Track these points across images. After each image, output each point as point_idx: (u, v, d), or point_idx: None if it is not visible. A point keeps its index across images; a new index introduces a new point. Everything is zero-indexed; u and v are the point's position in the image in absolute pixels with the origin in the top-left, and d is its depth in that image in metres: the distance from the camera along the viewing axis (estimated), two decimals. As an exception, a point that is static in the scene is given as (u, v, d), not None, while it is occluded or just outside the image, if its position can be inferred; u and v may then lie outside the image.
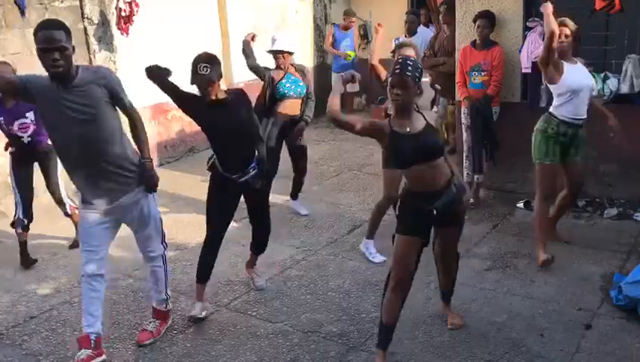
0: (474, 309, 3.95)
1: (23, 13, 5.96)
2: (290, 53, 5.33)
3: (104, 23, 6.68)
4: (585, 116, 4.42)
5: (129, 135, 3.53)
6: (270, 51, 5.36)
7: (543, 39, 5.31)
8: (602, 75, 5.39)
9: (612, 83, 5.33)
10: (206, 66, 3.64)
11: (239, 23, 8.50)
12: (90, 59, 6.60)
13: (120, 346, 3.69)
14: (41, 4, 6.13)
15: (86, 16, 6.52)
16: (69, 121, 3.15)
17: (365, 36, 10.31)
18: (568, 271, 4.40)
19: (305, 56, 9.85)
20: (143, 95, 7.26)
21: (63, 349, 3.65)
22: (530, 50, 5.45)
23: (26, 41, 6.03)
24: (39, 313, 4.11)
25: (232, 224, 4.08)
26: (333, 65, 9.24)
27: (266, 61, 5.51)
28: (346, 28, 9.09)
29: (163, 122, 7.60)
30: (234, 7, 8.41)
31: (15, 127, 4.65)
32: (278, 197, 5.92)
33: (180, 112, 8.17)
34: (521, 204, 5.62)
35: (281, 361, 3.48)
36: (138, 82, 7.11)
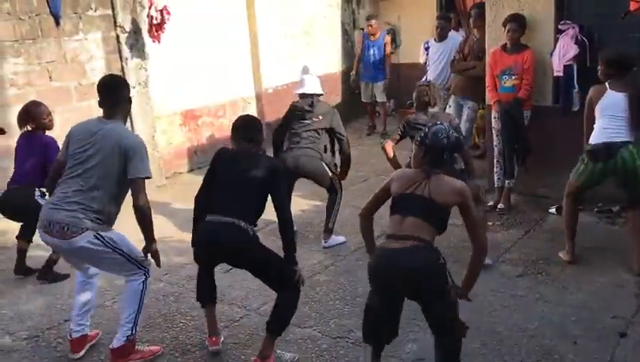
0: (505, 316, 3.90)
1: (58, 22, 6.10)
2: (319, 95, 5.34)
3: (136, 31, 6.79)
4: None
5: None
6: (302, 95, 5.31)
7: (575, 42, 5.27)
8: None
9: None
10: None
11: (268, 30, 8.57)
12: (122, 66, 6.72)
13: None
14: (75, 13, 6.27)
15: (118, 24, 6.64)
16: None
17: (394, 40, 10.30)
18: (602, 278, 4.32)
19: (333, 62, 9.88)
20: (173, 101, 7.40)
21: (97, 352, 3.71)
22: (562, 54, 5.37)
23: (61, 50, 6.18)
24: (73, 316, 4.19)
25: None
26: (361, 74, 9.02)
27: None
28: (373, 34, 8.85)
29: (193, 128, 7.69)
30: (263, 15, 8.48)
31: None
32: (304, 202, 5.94)
33: (210, 118, 8.33)
34: (553, 210, 5.52)
35: (310, 366, 3.49)
36: (169, 89, 7.27)
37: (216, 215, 3.40)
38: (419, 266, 2.82)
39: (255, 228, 3.47)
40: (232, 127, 3.64)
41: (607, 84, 4.37)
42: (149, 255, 3.52)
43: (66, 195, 3.31)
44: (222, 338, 3.69)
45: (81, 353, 3.67)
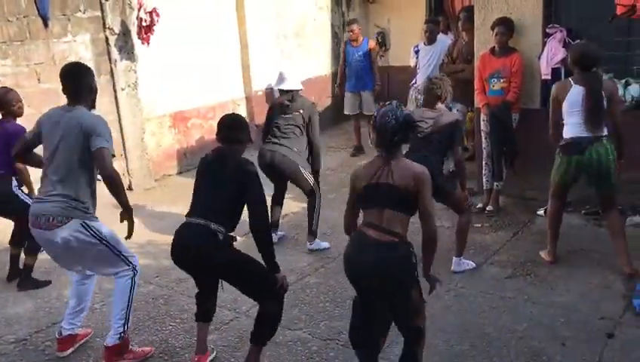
0: (494, 317, 3.92)
1: (46, 24, 6.06)
2: (299, 90, 5.28)
3: (125, 32, 6.77)
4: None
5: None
6: (281, 91, 5.27)
7: (563, 46, 5.31)
8: (624, 81, 5.33)
9: (634, 89, 5.28)
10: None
11: (259, 32, 8.57)
12: (112, 68, 6.69)
13: (140, 352, 3.71)
14: (64, 15, 6.24)
15: (107, 26, 6.61)
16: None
17: (383, 43, 10.33)
18: (590, 279, 4.35)
19: (323, 65, 9.90)
20: (162, 103, 7.38)
21: (85, 355, 3.70)
22: (550, 57, 5.42)
23: (50, 52, 6.14)
24: (62, 319, 4.15)
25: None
26: (346, 84, 8.25)
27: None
28: (355, 40, 8.09)
29: (183, 130, 7.67)
30: (253, 17, 8.48)
31: None
32: (294, 204, 5.94)
33: (200, 120, 8.31)
34: (541, 212, 5.56)
35: (300, 369, 3.49)
36: (158, 91, 7.25)
37: (191, 217, 3.35)
38: (391, 263, 2.82)
39: (230, 234, 3.35)
40: (218, 126, 3.52)
41: (570, 79, 4.36)
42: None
43: (47, 189, 3.38)
44: (210, 356, 3.60)
45: (68, 352, 3.68)
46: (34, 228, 3.42)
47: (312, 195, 5.20)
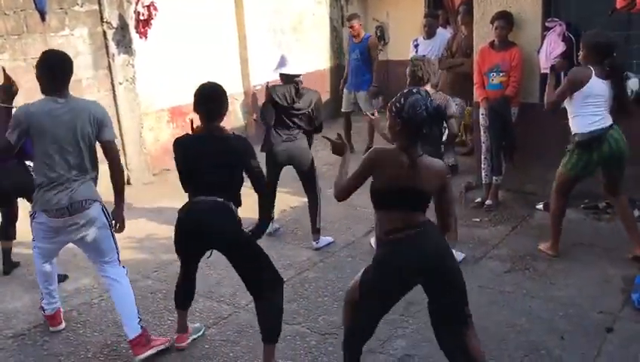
0: (493, 312, 3.92)
1: (43, 18, 6.03)
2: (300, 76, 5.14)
3: (123, 26, 6.74)
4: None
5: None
6: (284, 75, 5.07)
7: (562, 39, 5.29)
8: (624, 74, 5.31)
9: (633, 83, 5.25)
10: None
11: (257, 25, 8.55)
12: (109, 63, 6.67)
13: (139, 347, 3.71)
14: (61, 8, 6.21)
15: (105, 20, 6.58)
16: None
17: (382, 37, 10.30)
18: (589, 274, 4.35)
19: (322, 59, 9.87)
20: (160, 98, 7.36)
21: (84, 350, 3.69)
22: (549, 51, 5.39)
23: (47, 46, 6.11)
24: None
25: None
26: (349, 80, 8.02)
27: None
28: (356, 36, 7.85)
29: (181, 125, 7.64)
30: (251, 11, 8.45)
31: None
32: (293, 198, 5.93)
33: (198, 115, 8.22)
34: (540, 206, 5.56)
35: (298, 363, 3.49)
36: (156, 85, 7.23)
37: (200, 196, 3.30)
38: (438, 249, 2.76)
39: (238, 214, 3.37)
40: (196, 97, 3.38)
41: (591, 68, 4.28)
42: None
43: (66, 177, 3.39)
44: (188, 338, 3.68)
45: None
46: (52, 218, 3.43)
47: (313, 192, 5.14)
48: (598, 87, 4.26)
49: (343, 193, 2.93)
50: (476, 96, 5.88)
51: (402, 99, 2.73)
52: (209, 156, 3.29)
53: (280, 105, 4.99)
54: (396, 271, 2.78)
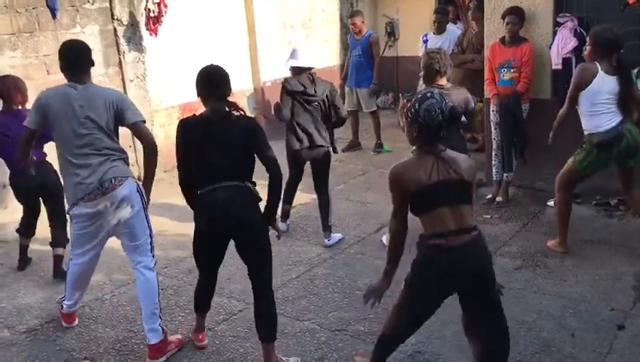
0: (503, 308, 3.90)
1: (54, 16, 6.07)
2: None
3: (133, 23, 6.77)
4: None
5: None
6: (296, 69, 5.04)
7: (574, 35, 5.26)
8: (635, 71, 5.27)
9: (646, 78, 5.22)
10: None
11: (266, 21, 8.55)
12: (120, 60, 6.69)
13: (150, 343, 3.74)
14: (72, 6, 6.24)
15: (116, 17, 6.61)
16: None
17: (392, 33, 10.27)
18: (600, 271, 4.33)
19: (332, 55, 9.86)
20: (171, 95, 7.39)
21: (95, 345, 3.72)
22: (561, 47, 5.36)
23: (58, 43, 6.12)
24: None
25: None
26: (349, 77, 7.90)
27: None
28: (357, 33, 7.73)
29: (191, 121, 7.67)
30: (261, 6, 8.45)
31: None
32: (304, 195, 5.93)
33: (208, 111, 8.22)
34: (551, 203, 5.52)
35: (308, 359, 3.49)
36: (167, 82, 7.25)
37: (217, 183, 3.18)
38: (486, 258, 2.78)
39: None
40: (200, 82, 3.27)
41: (597, 65, 4.24)
42: None
43: (92, 162, 3.40)
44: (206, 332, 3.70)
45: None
46: (88, 203, 3.41)
47: (326, 193, 5.14)
48: (606, 83, 4.22)
49: (399, 224, 2.82)
50: (487, 93, 5.85)
51: (417, 104, 2.71)
52: (221, 139, 3.18)
53: (295, 93, 4.92)
54: (450, 279, 2.75)
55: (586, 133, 4.40)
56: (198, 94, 3.32)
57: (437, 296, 2.82)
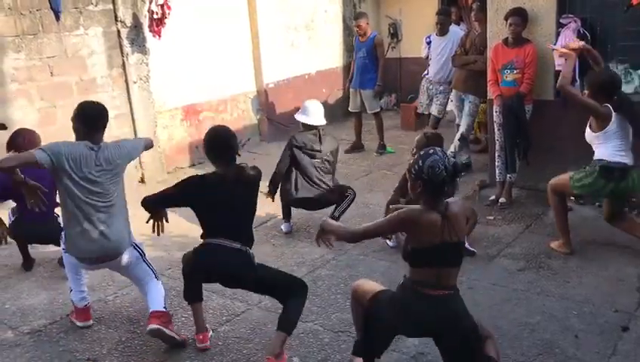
0: (506, 310, 3.90)
1: (58, 17, 6.08)
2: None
3: (137, 25, 6.78)
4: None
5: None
6: (307, 126, 5.27)
7: (577, 36, 5.25)
8: (639, 70, 5.27)
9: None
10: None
11: (269, 23, 8.55)
12: (124, 61, 6.71)
13: (152, 343, 3.73)
14: (76, 8, 6.26)
15: (119, 19, 6.62)
16: None
17: (395, 35, 10.27)
18: (604, 272, 4.32)
19: (334, 57, 9.86)
20: (174, 96, 7.40)
21: (99, 346, 3.73)
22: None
23: (62, 45, 6.17)
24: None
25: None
26: (354, 79, 7.94)
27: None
28: (362, 35, 7.74)
29: (195, 123, 7.68)
30: (264, 8, 8.46)
31: None
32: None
33: (212, 113, 8.31)
34: (554, 204, 5.52)
35: (311, 360, 3.49)
36: (170, 84, 7.26)
37: (222, 239, 3.45)
38: (459, 312, 2.85)
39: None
40: (209, 145, 3.49)
41: (609, 106, 4.28)
42: None
43: (102, 221, 3.59)
44: (210, 333, 3.71)
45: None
46: (93, 265, 3.75)
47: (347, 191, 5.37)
48: (617, 121, 4.27)
49: (357, 239, 3.16)
50: (490, 94, 5.85)
51: (421, 161, 2.77)
52: (232, 199, 3.43)
53: (300, 153, 5.18)
54: (417, 325, 2.88)
55: (595, 159, 4.39)
56: (208, 157, 3.55)
57: (394, 329, 2.97)
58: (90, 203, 3.54)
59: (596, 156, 4.38)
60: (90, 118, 3.61)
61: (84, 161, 3.51)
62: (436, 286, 2.79)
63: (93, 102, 3.84)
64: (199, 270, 3.54)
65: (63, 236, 3.76)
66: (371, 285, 3.12)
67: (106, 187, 3.58)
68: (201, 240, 3.60)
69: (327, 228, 3.07)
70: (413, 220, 2.79)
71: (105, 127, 3.67)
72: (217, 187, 3.44)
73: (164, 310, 3.68)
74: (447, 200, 2.83)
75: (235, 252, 3.45)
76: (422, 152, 2.82)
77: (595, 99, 4.27)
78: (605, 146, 4.32)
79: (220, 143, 3.48)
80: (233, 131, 3.58)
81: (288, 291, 3.48)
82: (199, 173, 3.59)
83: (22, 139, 4.51)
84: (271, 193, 5.26)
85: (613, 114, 4.25)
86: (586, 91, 4.44)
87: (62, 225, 3.83)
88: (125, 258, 3.72)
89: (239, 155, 3.51)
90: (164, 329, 3.56)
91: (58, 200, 3.79)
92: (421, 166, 2.75)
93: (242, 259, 3.47)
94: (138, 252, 3.82)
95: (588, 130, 4.43)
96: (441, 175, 2.72)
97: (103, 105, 3.75)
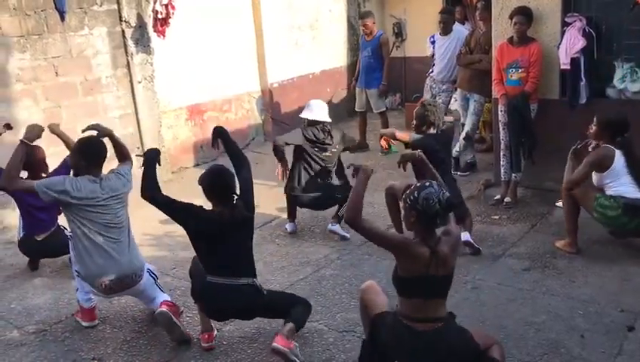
0: (511, 310, 3.89)
1: (62, 18, 6.10)
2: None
3: (141, 25, 6.79)
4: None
5: None
6: (312, 121, 5.26)
7: (582, 35, 5.23)
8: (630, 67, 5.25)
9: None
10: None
11: (273, 22, 8.56)
12: (128, 61, 6.72)
13: (157, 343, 3.74)
14: (80, 8, 6.27)
15: (124, 19, 6.63)
16: None
17: (399, 34, 10.25)
18: (609, 271, 4.30)
19: (339, 56, 9.86)
20: (179, 96, 7.41)
21: (103, 346, 3.73)
22: (569, 47, 5.33)
23: (67, 45, 6.19)
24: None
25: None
26: (360, 78, 7.97)
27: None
28: (368, 34, 7.77)
29: (199, 123, 7.69)
30: (268, 8, 8.46)
31: None
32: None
33: (216, 113, 8.32)
34: (560, 203, 5.47)
35: (316, 360, 3.49)
36: (174, 84, 7.27)
37: (226, 277, 3.47)
38: (450, 348, 2.82)
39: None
40: (207, 187, 3.53)
41: (611, 147, 4.35)
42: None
43: (114, 247, 3.65)
44: (215, 332, 3.71)
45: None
46: (107, 293, 3.74)
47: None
48: (622, 158, 4.34)
49: (357, 220, 2.98)
50: (495, 93, 5.83)
51: (416, 192, 2.83)
52: (233, 237, 3.47)
53: (309, 146, 5.17)
54: (412, 359, 2.90)
55: (615, 195, 4.39)
56: (207, 196, 3.58)
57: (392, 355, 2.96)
58: (100, 230, 3.63)
59: (615, 193, 4.37)
60: (92, 155, 3.71)
61: (91, 192, 3.61)
62: (426, 319, 2.82)
63: (94, 137, 3.88)
64: (210, 311, 3.60)
65: (74, 264, 3.88)
66: (380, 301, 3.11)
67: (115, 210, 3.68)
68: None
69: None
70: (405, 248, 2.86)
71: (104, 162, 3.78)
72: (214, 224, 3.48)
73: (174, 302, 3.82)
74: (443, 231, 2.89)
75: (240, 286, 3.49)
76: (418, 184, 2.90)
77: (599, 137, 4.41)
78: (619, 183, 4.36)
79: (220, 184, 3.52)
80: (228, 171, 3.59)
81: (292, 307, 3.57)
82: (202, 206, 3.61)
83: (37, 159, 4.52)
84: (280, 159, 5.26)
85: (617, 151, 4.33)
86: (593, 126, 4.47)
87: (68, 237, 3.98)
88: (142, 284, 3.80)
89: (237, 195, 3.55)
90: (172, 316, 3.61)
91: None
92: (416, 197, 2.81)
93: (250, 292, 3.51)
94: (152, 277, 3.91)
95: (594, 176, 4.48)
96: (434, 207, 2.77)
97: (103, 141, 3.84)
